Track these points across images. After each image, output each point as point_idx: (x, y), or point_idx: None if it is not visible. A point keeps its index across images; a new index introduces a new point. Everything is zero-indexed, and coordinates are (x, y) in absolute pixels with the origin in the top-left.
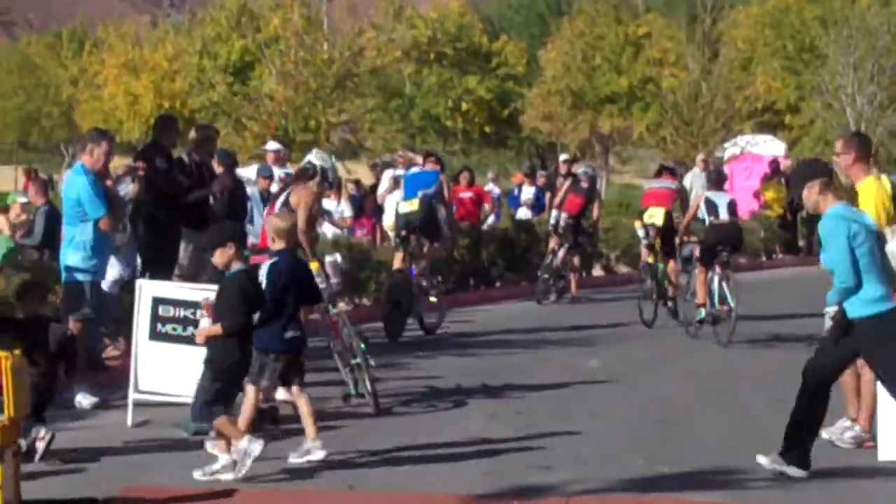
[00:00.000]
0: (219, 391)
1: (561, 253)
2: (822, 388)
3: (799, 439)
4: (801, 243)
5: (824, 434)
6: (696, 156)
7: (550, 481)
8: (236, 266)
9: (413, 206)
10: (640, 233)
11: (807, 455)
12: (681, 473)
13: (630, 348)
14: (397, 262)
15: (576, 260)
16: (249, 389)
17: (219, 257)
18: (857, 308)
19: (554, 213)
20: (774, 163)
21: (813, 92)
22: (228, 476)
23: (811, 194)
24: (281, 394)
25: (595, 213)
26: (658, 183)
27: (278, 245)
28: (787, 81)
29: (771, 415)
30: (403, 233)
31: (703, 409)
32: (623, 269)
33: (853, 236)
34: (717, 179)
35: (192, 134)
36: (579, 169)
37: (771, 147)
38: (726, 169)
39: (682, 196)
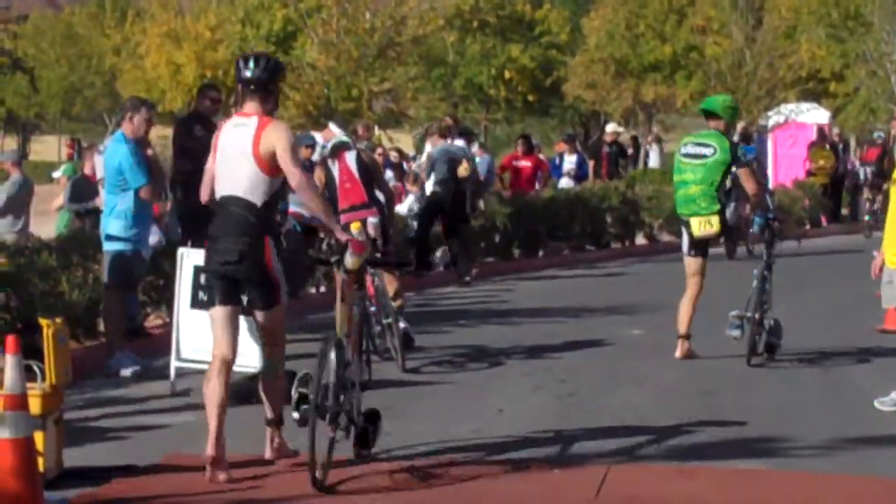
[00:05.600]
0: None
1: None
2: None
3: None
4: (844, 212)
5: (876, 404)
6: (739, 124)
7: (593, 449)
8: None
9: None
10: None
11: None
12: (724, 441)
13: (673, 317)
14: None
15: None
16: None
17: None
18: None
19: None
20: (820, 130)
21: (857, 60)
22: None
23: None
24: None
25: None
26: None
27: None
28: (832, 49)
29: (817, 385)
30: None
31: (748, 379)
32: (666, 237)
33: None
34: None
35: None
36: (873, 134)
37: (815, 115)
38: (770, 137)
39: None
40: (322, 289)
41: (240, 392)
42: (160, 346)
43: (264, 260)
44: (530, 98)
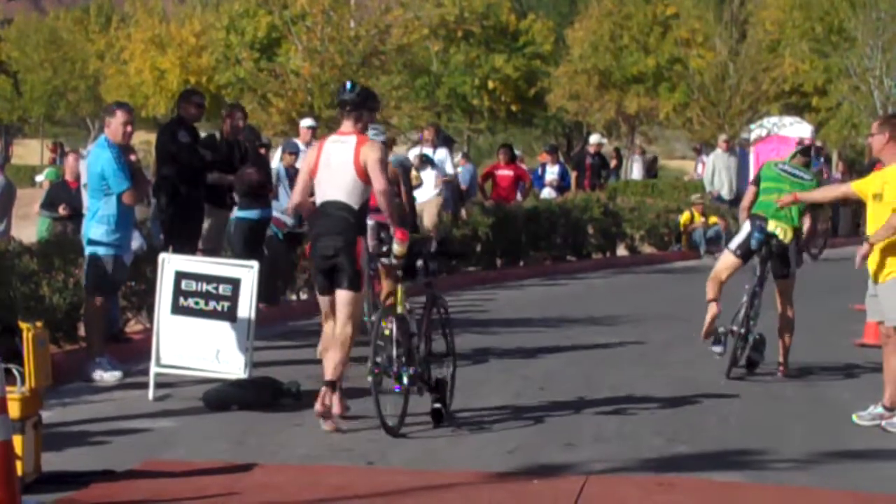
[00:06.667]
0: None
1: None
2: None
3: None
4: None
5: (854, 418)
6: (721, 137)
7: (571, 459)
8: None
9: None
10: None
11: None
12: (702, 453)
13: (654, 328)
14: None
15: None
16: None
17: None
18: None
19: None
20: (801, 144)
21: (841, 74)
22: None
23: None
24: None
25: None
26: None
27: None
28: (815, 63)
29: (796, 398)
30: None
31: (727, 391)
32: (647, 249)
33: None
34: None
35: (224, 113)
36: None
37: (798, 129)
38: (752, 151)
39: None
40: (303, 296)
41: (219, 398)
42: (140, 351)
43: (355, 255)
44: (513, 108)
